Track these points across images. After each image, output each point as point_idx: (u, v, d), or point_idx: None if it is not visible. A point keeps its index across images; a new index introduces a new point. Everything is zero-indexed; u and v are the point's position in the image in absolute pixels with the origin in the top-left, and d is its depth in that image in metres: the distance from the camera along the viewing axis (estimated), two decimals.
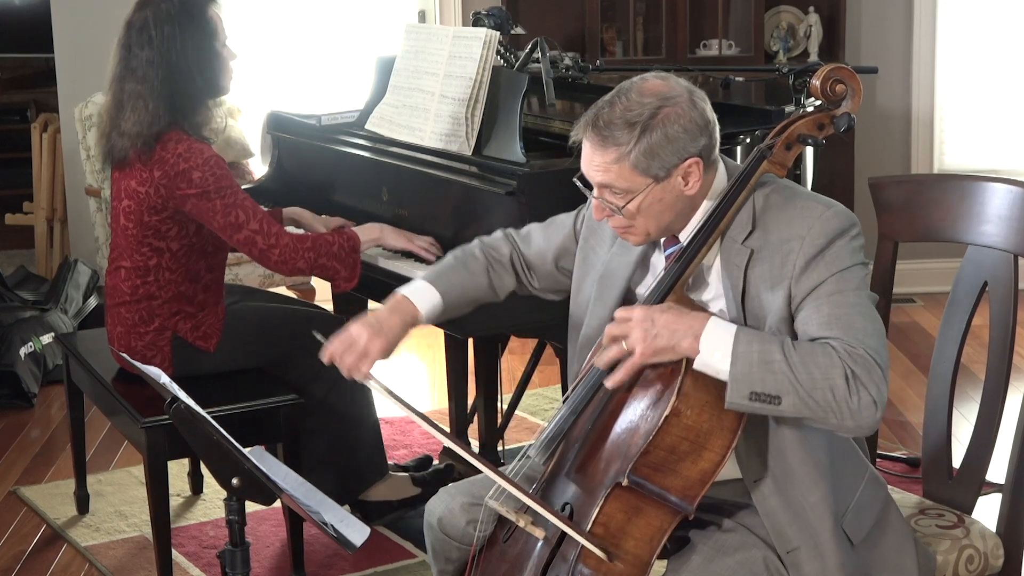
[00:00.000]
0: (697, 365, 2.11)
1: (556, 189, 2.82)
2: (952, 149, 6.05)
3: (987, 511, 2.61)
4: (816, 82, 2.31)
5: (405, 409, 2.32)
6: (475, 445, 3.94)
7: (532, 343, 4.50)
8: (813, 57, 5.75)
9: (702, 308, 2.25)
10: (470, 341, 3.71)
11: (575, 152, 2.30)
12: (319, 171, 3.93)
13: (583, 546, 2.12)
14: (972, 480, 2.54)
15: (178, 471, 3.99)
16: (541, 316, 3.05)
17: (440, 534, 2.44)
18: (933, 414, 2.59)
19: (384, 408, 3.74)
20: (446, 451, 4.02)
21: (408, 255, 3.44)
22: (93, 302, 5.38)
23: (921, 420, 2.67)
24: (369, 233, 3.43)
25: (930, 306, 5.77)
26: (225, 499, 2.31)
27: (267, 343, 3.50)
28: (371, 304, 4.10)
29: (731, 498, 2.29)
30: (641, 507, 2.14)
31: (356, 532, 2.22)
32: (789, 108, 3.55)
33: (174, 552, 3.50)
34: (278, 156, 4.12)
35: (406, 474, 3.78)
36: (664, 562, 2.27)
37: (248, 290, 3.89)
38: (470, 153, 3.45)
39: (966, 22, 5.95)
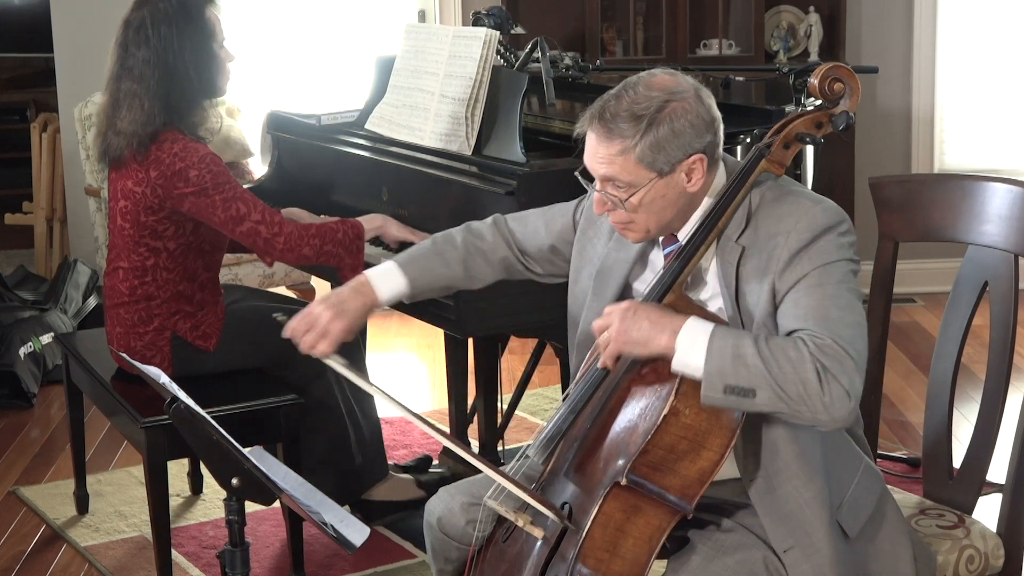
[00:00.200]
0: (675, 366, 2.11)
1: (556, 189, 2.82)
2: (952, 149, 6.04)
3: (988, 511, 2.60)
4: (814, 81, 2.31)
5: (371, 388, 2.38)
6: (475, 445, 3.94)
7: (532, 343, 4.50)
8: (813, 57, 5.75)
9: (701, 307, 2.24)
10: (470, 341, 3.70)
11: (575, 151, 2.30)
12: (319, 171, 3.93)
13: (582, 546, 2.12)
14: (972, 480, 2.53)
15: (178, 471, 3.99)
16: (541, 316, 3.05)
17: (439, 534, 2.44)
18: (933, 414, 2.59)
19: (384, 408, 3.74)
20: (446, 451, 4.02)
21: None
22: (93, 302, 5.38)
23: (921, 420, 2.67)
24: (373, 222, 3.43)
25: (930, 306, 5.77)
26: (225, 499, 2.31)
27: (266, 343, 3.49)
28: None
29: (730, 498, 2.28)
30: (640, 506, 2.13)
31: (356, 532, 2.21)
32: (789, 108, 3.55)
33: (174, 552, 3.49)
34: (278, 156, 4.12)
35: (410, 476, 3.78)
36: (664, 562, 2.27)
37: (247, 290, 3.89)
38: (470, 153, 3.45)
39: (966, 21, 5.94)
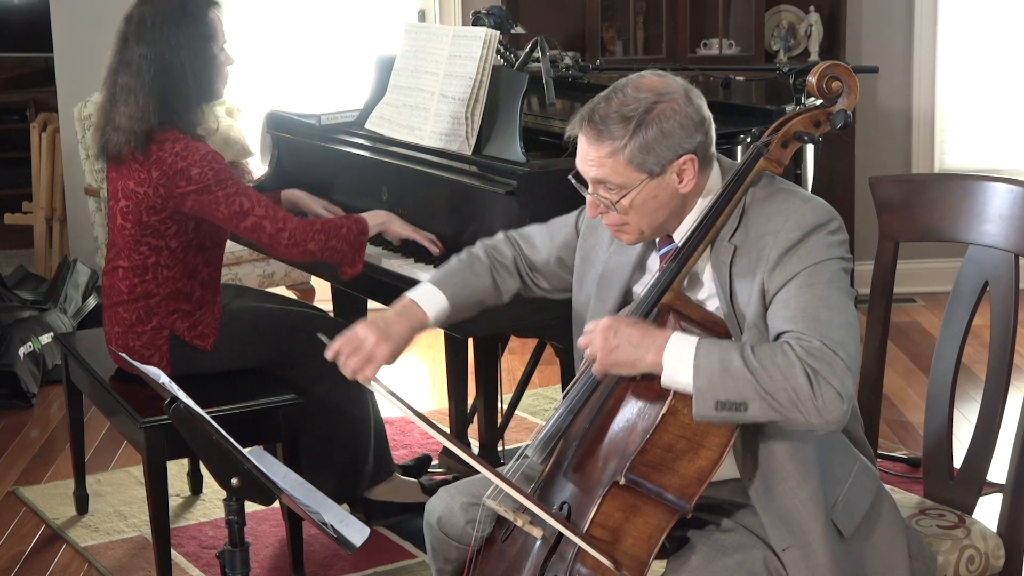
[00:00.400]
0: (664, 382, 2.10)
1: (556, 188, 2.82)
2: (953, 148, 6.04)
3: (988, 511, 2.60)
4: (812, 79, 2.31)
5: (407, 411, 2.31)
6: (475, 445, 3.94)
7: (532, 343, 4.49)
8: (814, 56, 5.75)
9: (700, 306, 2.24)
10: (470, 341, 3.70)
11: (573, 149, 2.29)
12: (319, 170, 3.93)
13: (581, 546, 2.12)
14: (973, 480, 2.53)
15: (177, 471, 3.99)
16: (541, 316, 3.05)
17: (439, 533, 2.44)
18: (934, 414, 2.59)
19: (384, 408, 3.74)
20: (446, 451, 4.01)
21: (410, 255, 3.44)
22: (92, 302, 5.38)
23: (922, 420, 2.66)
24: (376, 219, 3.42)
25: (931, 306, 5.77)
26: (224, 499, 2.31)
27: (265, 342, 3.50)
28: (371, 304, 4.11)
29: (730, 498, 2.28)
30: (639, 506, 2.13)
31: (355, 532, 2.21)
32: (789, 108, 3.54)
33: (173, 552, 3.49)
34: (278, 155, 4.12)
35: (415, 480, 3.78)
36: (663, 562, 2.27)
37: (246, 290, 3.89)
38: (470, 153, 3.45)
39: (967, 21, 5.94)
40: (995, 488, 2.61)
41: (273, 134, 4.13)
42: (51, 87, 6.01)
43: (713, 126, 2.24)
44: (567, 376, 3.36)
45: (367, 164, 3.70)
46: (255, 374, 3.47)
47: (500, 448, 3.72)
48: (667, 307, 2.20)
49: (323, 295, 5.42)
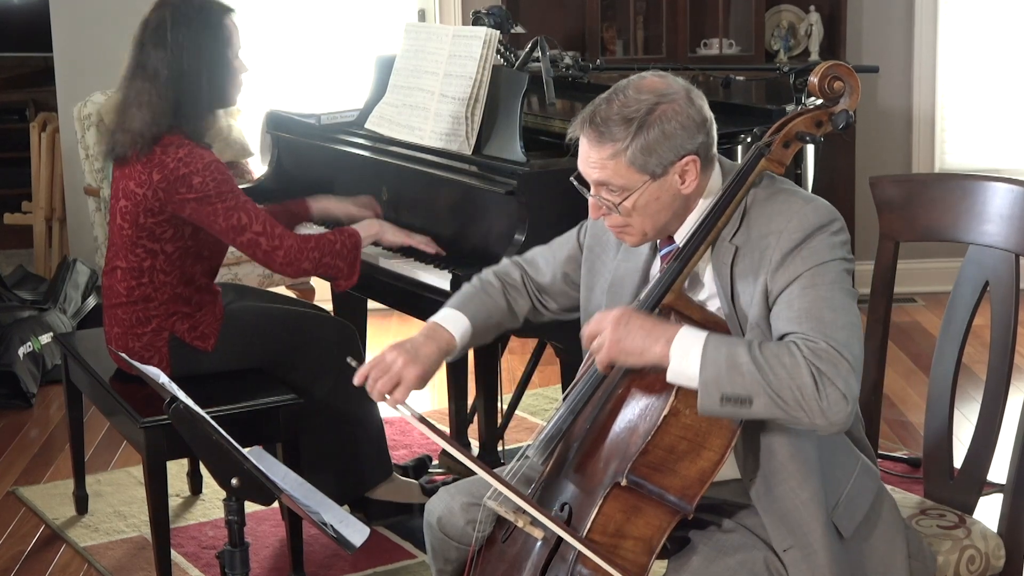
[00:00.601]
0: (670, 376, 2.10)
1: (556, 188, 2.82)
2: (953, 148, 6.04)
3: (988, 511, 2.60)
4: (814, 79, 2.31)
5: (435, 437, 2.28)
6: (475, 445, 3.94)
7: (532, 343, 4.49)
8: (814, 56, 5.74)
9: (701, 306, 2.24)
10: None
11: (574, 150, 2.29)
12: (319, 170, 3.93)
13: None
14: (973, 480, 2.53)
15: (177, 471, 3.99)
16: None
17: (439, 534, 2.44)
18: (934, 414, 2.58)
19: (384, 409, 3.73)
20: (445, 452, 4.01)
21: (407, 253, 3.44)
22: (92, 302, 5.38)
23: (922, 420, 2.66)
24: (369, 229, 3.43)
25: (931, 306, 5.76)
26: (224, 499, 2.30)
27: (265, 343, 3.50)
28: (370, 304, 4.11)
29: (731, 498, 2.28)
30: (640, 507, 2.13)
31: (355, 532, 2.21)
32: (790, 107, 3.54)
33: (173, 552, 3.49)
34: (277, 155, 4.11)
35: (416, 482, 3.78)
36: (664, 562, 2.27)
37: (246, 290, 3.88)
38: (470, 152, 3.45)
39: (967, 21, 5.94)
40: (995, 488, 2.61)
41: (273, 134, 4.13)
42: (51, 87, 6.01)
43: (715, 126, 2.24)
44: (567, 376, 3.36)
45: (367, 164, 3.69)
46: (255, 374, 3.46)
47: (500, 448, 3.72)
48: (668, 308, 2.20)
49: (323, 295, 5.42)
